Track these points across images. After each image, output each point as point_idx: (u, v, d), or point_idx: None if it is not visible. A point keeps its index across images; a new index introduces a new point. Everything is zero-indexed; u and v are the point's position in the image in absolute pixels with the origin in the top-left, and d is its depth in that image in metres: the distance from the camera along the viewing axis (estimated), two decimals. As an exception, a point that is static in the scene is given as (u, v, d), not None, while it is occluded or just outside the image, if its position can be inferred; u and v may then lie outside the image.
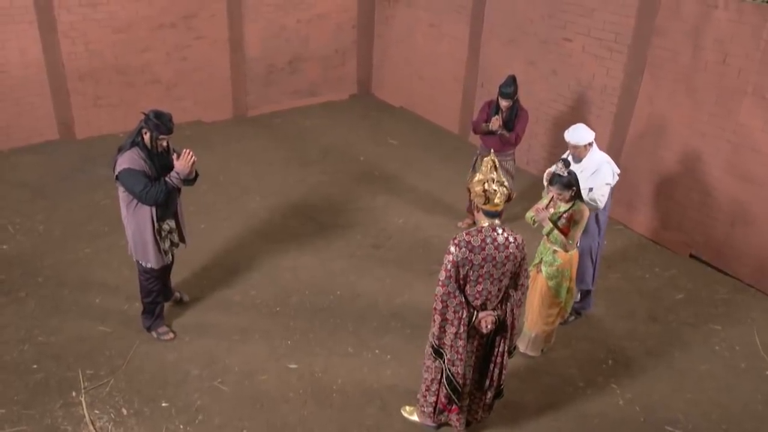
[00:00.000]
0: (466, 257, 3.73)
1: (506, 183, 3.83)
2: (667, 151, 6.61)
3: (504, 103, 6.18)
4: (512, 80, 6.13)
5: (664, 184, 6.73)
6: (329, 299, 5.77)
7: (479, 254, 3.73)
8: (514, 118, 6.25)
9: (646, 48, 6.57)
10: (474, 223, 6.83)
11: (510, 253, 3.78)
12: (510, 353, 4.18)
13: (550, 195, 4.78)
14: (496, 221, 3.83)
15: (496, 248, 3.75)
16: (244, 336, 5.27)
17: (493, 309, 3.92)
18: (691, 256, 6.64)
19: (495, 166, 3.82)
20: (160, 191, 4.55)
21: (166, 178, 4.59)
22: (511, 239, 3.80)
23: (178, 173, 4.60)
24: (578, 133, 5.13)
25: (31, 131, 8.18)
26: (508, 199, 3.83)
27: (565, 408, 4.75)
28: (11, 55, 7.73)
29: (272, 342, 5.23)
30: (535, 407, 4.75)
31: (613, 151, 7.01)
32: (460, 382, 4.07)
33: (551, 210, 4.80)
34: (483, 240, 3.74)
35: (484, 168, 3.82)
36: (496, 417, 4.61)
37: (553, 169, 4.70)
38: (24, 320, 5.30)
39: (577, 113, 7.43)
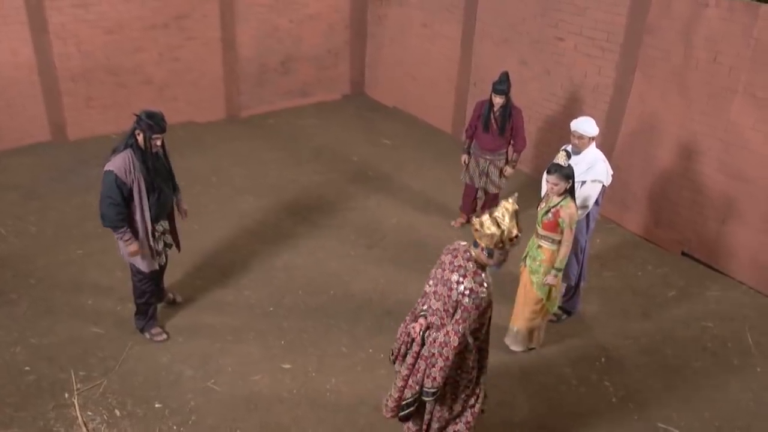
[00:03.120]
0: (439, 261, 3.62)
1: (508, 231, 3.38)
2: (659, 149, 6.64)
3: (497, 100, 6.20)
4: (506, 76, 6.17)
5: (656, 183, 6.76)
6: (323, 299, 5.77)
7: (438, 268, 3.59)
8: (507, 117, 6.28)
9: (637, 47, 6.59)
10: (467, 223, 6.91)
11: (460, 292, 3.45)
12: (407, 405, 3.74)
13: (545, 190, 4.81)
14: (478, 251, 3.45)
15: (451, 271, 3.50)
16: (237, 336, 5.27)
17: (423, 328, 3.67)
18: (683, 253, 6.67)
19: (514, 212, 3.43)
20: (111, 218, 4.56)
21: (120, 237, 4.65)
22: (465, 283, 3.42)
23: (126, 252, 4.75)
24: (587, 124, 5.14)
25: (23, 133, 8.14)
26: (501, 245, 3.39)
27: (558, 406, 4.76)
28: (2, 56, 7.69)
29: (266, 342, 5.23)
30: (529, 405, 4.76)
31: (606, 149, 7.01)
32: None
33: (542, 205, 4.84)
34: (451, 261, 3.53)
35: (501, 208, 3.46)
36: (489, 415, 4.62)
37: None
38: (16, 322, 5.27)
39: (569, 112, 7.44)
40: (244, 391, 4.75)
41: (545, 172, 4.77)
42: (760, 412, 4.81)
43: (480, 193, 6.82)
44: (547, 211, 4.74)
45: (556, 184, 4.64)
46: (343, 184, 7.78)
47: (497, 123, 6.29)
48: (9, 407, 4.50)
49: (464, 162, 6.65)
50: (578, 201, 5.07)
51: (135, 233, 4.71)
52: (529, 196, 7.53)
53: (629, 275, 6.32)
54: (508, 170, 6.54)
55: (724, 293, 6.12)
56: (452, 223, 7.00)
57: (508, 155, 6.59)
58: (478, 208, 6.97)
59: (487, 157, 6.48)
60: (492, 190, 6.64)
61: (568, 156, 4.65)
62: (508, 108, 6.25)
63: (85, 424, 4.40)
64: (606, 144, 7.03)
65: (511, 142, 6.47)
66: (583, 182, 5.09)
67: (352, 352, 5.17)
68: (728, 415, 4.77)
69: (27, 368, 4.84)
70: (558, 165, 4.61)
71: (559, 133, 7.63)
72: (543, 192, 5.12)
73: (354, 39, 10.33)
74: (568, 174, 4.61)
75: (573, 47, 7.26)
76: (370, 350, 5.20)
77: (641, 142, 6.80)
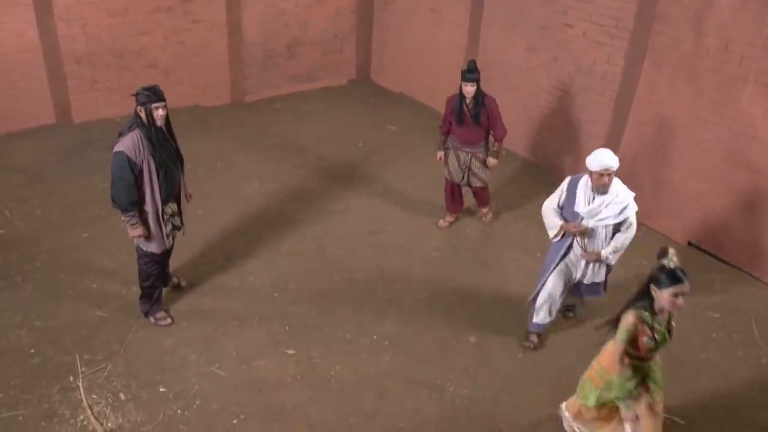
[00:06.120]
0: None
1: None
2: (667, 138, 6.58)
3: (468, 89, 5.95)
4: (474, 64, 5.93)
5: (663, 171, 6.71)
6: (327, 285, 5.77)
7: None
8: (480, 107, 6.04)
9: (647, 34, 6.51)
10: (454, 221, 6.72)
11: None
12: None
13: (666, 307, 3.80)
14: None
15: None
16: (241, 321, 5.27)
17: None
18: (689, 244, 6.63)
19: None
20: (122, 201, 4.56)
21: (127, 221, 4.66)
22: None
23: (132, 234, 4.74)
24: (612, 156, 4.49)
25: (28, 115, 8.12)
26: None
27: (563, 395, 4.75)
28: (8, 38, 7.66)
29: (270, 327, 5.23)
30: (533, 394, 4.76)
31: (613, 138, 6.99)
32: None
33: (655, 335, 3.86)
34: None
35: None
36: (494, 403, 4.62)
37: (666, 263, 3.72)
38: (21, 305, 5.28)
39: (577, 100, 7.39)
40: (248, 375, 4.76)
41: (662, 287, 3.71)
42: (765, 403, 4.79)
43: (465, 189, 6.59)
44: (669, 330, 3.95)
45: (684, 293, 3.65)
46: (348, 169, 7.75)
47: (470, 113, 6.08)
48: (14, 389, 4.52)
49: (439, 159, 6.44)
50: (615, 247, 4.78)
51: (145, 215, 4.71)
52: (529, 183, 7.55)
53: (634, 265, 6.29)
54: (491, 161, 6.30)
55: (730, 284, 6.09)
56: (439, 223, 6.72)
57: (489, 146, 6.36)
58: (471, 205, 6.86)
59: (468, 150, 6.26)
60: (476, 183, 6.41)
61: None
62: (479, 97, 6.04)
63: (89, 407, 4.42)
64: (614, 133, 6.99)
65: (491, 132, 6.25)
66: (617, 227, 4.76)
67: (356, 338, 5.17)
68: (733, 406, 4.76)
69: (32, 351, 4.85)
70: (683, 270, 3.66)
71: (564, 121, 7.58)
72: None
73: (360, 24, 10.26)
74: None
75: (581, 34, 7.18)
76: (374, 336, 5.20)
77: (649, 131, 6.74)
